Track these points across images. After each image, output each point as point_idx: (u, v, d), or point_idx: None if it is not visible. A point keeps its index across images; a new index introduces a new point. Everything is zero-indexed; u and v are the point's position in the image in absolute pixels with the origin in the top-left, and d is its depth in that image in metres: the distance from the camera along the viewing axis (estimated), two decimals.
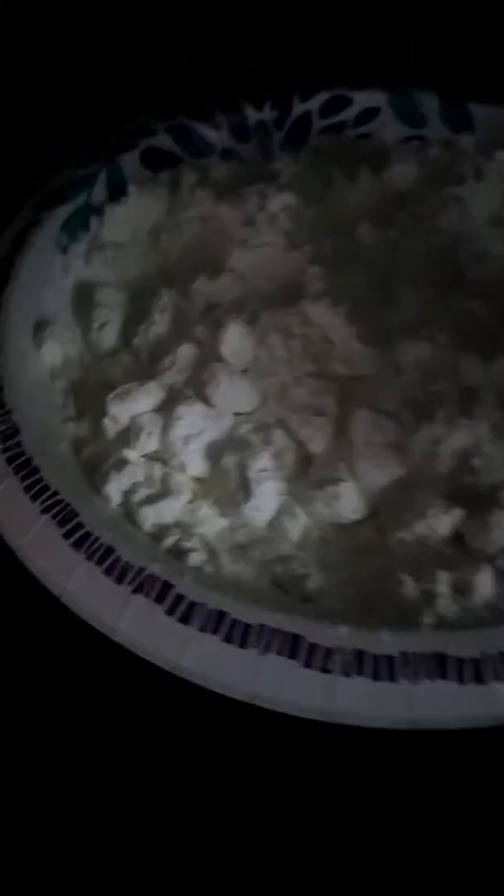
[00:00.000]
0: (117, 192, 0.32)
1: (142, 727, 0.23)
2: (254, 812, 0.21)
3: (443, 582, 0.22)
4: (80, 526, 0.22)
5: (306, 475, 0.25)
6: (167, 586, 0.21)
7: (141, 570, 0.22)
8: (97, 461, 0.26)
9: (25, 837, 0.21)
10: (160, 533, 0.24)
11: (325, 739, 0.21)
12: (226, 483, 0.25)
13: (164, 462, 0.26)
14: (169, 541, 0.24)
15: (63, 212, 0.31)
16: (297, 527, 0.25)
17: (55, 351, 0.28)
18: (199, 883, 0.21)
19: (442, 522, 0.23)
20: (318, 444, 0.26)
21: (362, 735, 0.20)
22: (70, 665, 0.23)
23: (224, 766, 0.22)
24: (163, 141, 0.34)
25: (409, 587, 0.22)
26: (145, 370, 0.27)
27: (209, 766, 0.22)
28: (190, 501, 0.25)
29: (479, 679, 0.20)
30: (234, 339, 0.27)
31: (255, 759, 0.22)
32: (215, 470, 0.25)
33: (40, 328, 0.28)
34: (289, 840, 0.21)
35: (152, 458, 0.26)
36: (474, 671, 0.20)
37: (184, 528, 0.24)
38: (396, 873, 0.21)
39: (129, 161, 0.33)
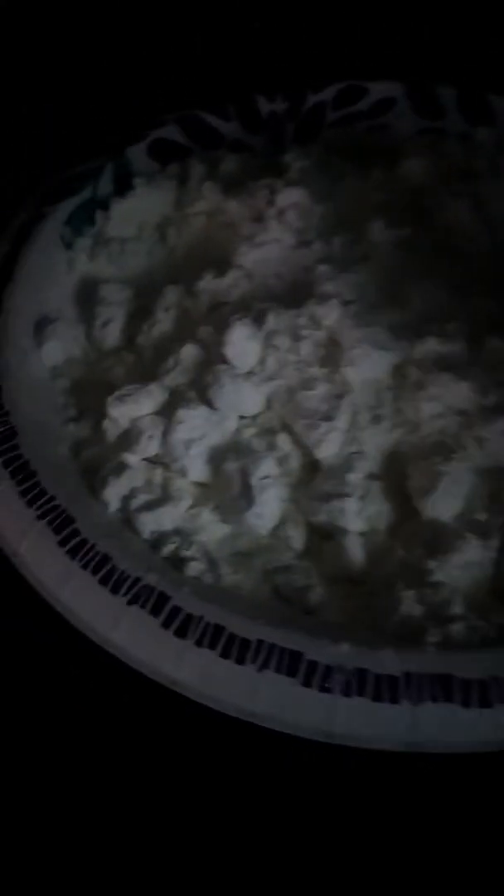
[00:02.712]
0: (124, 185, 0.31)
1: (137, 740, 0.22)
2: (248, 831, 0.21)
3: (455, 602, 0.21)
4: (76, 533, 0.22)
5: (312, 483, 0.25)
6: (163, 598, 0.21)
7: (137, 580, 0.21)
8: (97, 464, 0.25)
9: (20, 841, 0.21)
10: (159, 540, 0.23)
11: (326, 759, 0.20)
12: (228, 489, 0.24)
13: (166, 466, 0.25)
14: (168, 549, 0.23)
15: (67, 206, 0.30)
16: (299, 536, 0.24)
17: (57, 349, 0.28)
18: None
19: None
20: (324, 449, 0.25)
21: (364, 756, 0.19)
22: (66, 675, 0.23)
23: (218, 784, 0.21)
24: (171, 132, 0.33)
25: (411, 604, 0.21)
26: (148, 370, 0.27)
27: (203, 782, 0.21)
28: (191, 507, 0.24)
29: (484, 702, 0.19)
30: (240, 340, 0.26)
31: (251, 777, 0.21)
32: (217, 475, 0.25)
33: (42, 326, 0.28)
34: (282, 858, 0.21)
35: (153, 462, 0.25)
36: (480, 694, 0.19)
37: (183, 535, 0.23)
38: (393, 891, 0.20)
39: (137, 153, 0.33)
